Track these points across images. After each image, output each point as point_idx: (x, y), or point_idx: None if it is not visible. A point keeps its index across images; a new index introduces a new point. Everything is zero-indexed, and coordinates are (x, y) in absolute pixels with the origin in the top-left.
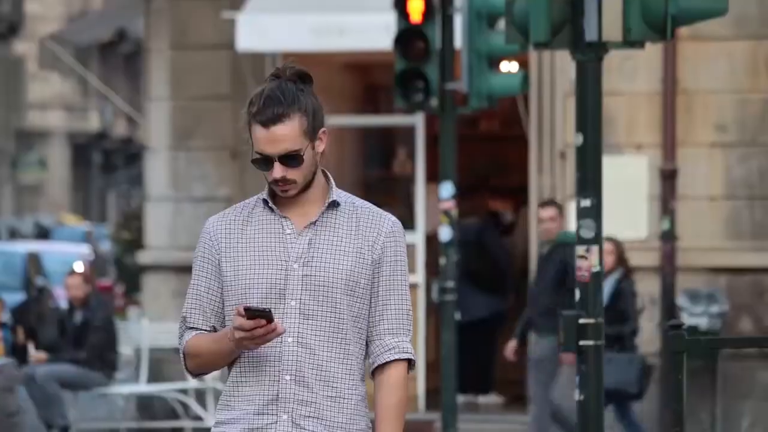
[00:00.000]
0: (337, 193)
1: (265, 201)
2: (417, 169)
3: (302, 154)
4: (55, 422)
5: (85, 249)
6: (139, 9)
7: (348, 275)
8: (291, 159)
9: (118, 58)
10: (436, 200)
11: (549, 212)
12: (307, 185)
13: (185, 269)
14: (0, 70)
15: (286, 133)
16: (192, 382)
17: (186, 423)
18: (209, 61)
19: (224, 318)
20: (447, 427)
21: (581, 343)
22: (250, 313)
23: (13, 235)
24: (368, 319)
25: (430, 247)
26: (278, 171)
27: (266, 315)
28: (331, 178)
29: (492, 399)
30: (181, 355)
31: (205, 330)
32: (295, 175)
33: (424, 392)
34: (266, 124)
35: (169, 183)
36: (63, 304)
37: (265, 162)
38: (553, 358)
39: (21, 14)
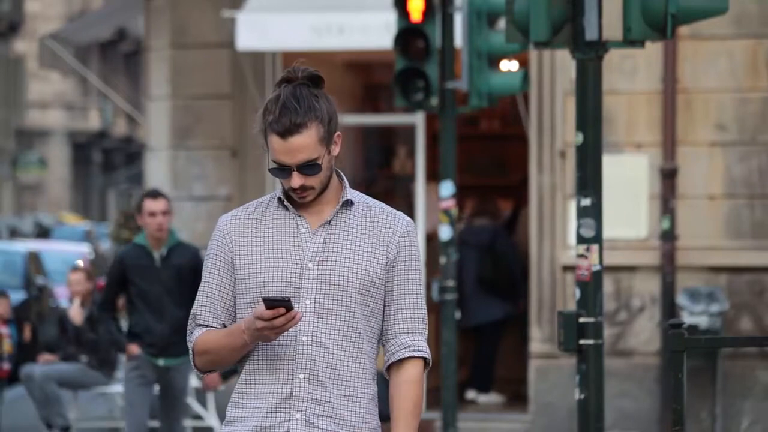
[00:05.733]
0: (351, 193)
1: (279, 199)
2: (417, 168)
3: (320, 162)
4: (55, 422)
5: (85, 248)
6: (139, 8)
7: (362, 275)
8: (309, 168)
9: (118, 57)
10: (436, 199)
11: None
12: (323, 188)
13: None
14: (0, 69)
15: (304, 144)
16: (192, 381)
17: (186, 422)
18: (209, 60)
19: (235, 316)
20: (447, 426)
21: (581, 342)
22: (269, 303)
23: (14, 234)
24: (382, 318)
25: (430, 247)
26: (296, 180)
27: (285, 304)
28: (345, 178)
29: (492, 398)
30: (191, 352)
31: (216, 328)
32: (313, 182)
33: (425, 391)
34: (283, 135)
35: (169, 182)
36: (63, 303)
37: (282, 171)
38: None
39: (21, 13)
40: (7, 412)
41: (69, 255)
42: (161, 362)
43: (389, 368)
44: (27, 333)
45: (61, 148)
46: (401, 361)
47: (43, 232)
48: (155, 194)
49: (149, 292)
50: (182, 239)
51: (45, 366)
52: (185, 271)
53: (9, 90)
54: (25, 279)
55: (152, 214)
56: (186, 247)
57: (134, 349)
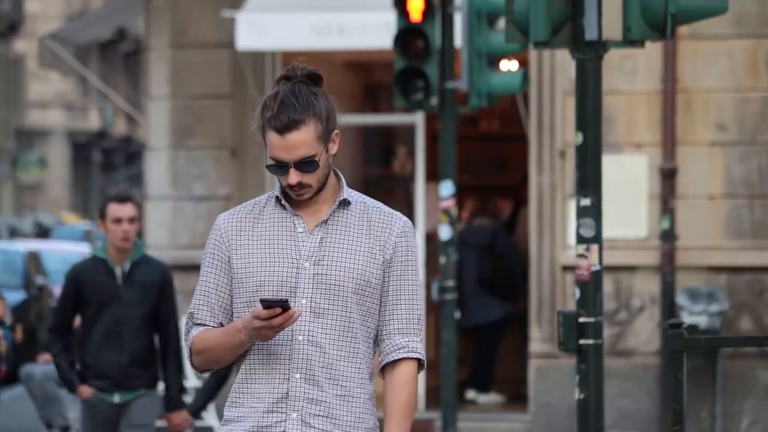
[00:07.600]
0: (348, 192)
1: (277, 198)
2: (417, 168)
3: (317, 159)
4: (55, 422)
5: (85, 248)
6: (139, 8)
7: (359, 275)
8: (306, 165)
9: (118, 56)
10: (435, 199)
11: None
12: (321, 186)
13: (185, 268)
14: (0, 69)
15: (302, 140)
16: (191, 381)
17: None
18: (209, 60)
19: (233, 315)
20: (447, 426)
21: (581, 342)
22: (267, 303)
23: (13, 234)
24: (378, 318)
25: (430, 247)
26: (294, 177)
27: (282, 304)
28: (342, 177)
29: (492, 398)
30: (188, 351)
31: (213, 327)
32: (311, 179)
33: (424, 391)
34: (281, 131)
35: (169, 182)
36: None
37: (280, 167)
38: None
39: (21, 13)
40: (7, 412)
41: (69, 255)
42: (116, 398)
43: (383, 369)
44: (18, 334)
45: (61, 148)
46: (395, 362)
47: (43, 232)
48: (122, 197)
49: (107, 315)
50: (148, 253)
51: (45, 366)
52: (151, 290)
53: (9, 90)
54: (25, 279)
55: (117, 220)
56: (152, 263)
57: (85, 391)
